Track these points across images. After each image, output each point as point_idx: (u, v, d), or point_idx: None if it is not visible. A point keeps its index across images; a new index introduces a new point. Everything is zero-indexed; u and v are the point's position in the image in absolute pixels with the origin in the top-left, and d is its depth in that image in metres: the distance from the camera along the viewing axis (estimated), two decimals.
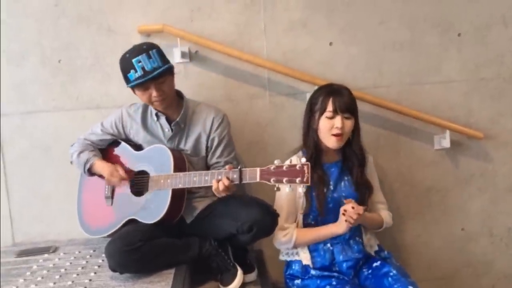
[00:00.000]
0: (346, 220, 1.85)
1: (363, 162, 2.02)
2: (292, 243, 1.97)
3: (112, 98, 2.34)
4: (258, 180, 1.73)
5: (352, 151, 2.00)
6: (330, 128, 1.91)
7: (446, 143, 2.40)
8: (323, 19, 2.35)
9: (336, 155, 2.03)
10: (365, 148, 2.05)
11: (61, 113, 2.35)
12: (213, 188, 1.81)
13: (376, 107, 2.36)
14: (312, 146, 1.97)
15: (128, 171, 2.00)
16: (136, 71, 1.87)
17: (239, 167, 1.77)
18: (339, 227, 1.91)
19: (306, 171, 1.67)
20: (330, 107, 1.91)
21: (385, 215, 2.08)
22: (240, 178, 1.76)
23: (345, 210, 1.86)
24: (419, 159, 2.47)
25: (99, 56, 2.33)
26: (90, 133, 2.11)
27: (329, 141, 1.94)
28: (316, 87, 2.17)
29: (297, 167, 1.68)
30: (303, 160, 1.71)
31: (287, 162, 2.00)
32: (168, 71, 1.93)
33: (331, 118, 1.91)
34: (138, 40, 2.29)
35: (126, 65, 1.91)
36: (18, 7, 2.29)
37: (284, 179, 1.69)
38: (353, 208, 1.84)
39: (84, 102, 2.35)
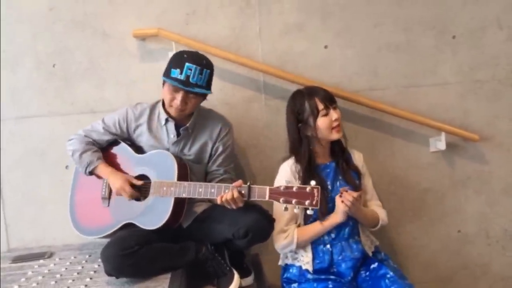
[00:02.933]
0: (342, 202, 1.86)
1: (344, 151, 2.04)
2: (294, 244, 1.96)
3: (108, 102, 2.34)
4: (267, 199, 1.74)
5: (335, 144, 2.02)
6: (330, 124, 1.94)
7: (442, 145, 2.40)
8: (318, 22, 2.35)
9: (328, 155, 2.04)
10: (352, 149, 2.10)
11: (56, 118, 2.35)
12: (218, 202, 1.80)
13: (372, 110, 2.37)
14: (306, 155, 1.97)
15: (137, 183, 1.98)
16: (181, 74, 1.86)
17: (248, 184, 1.77)
18: (337, 215, 1.92)
19: (315, 194, 1.68)
20: (320, 106, 1.94)
21: (380, 211, 2.08)
22: (249, 195, 1.76)
23: (341, 196, 1.88)
24: (415, 161, 2.47)
25: (94, 60, 2.32)
26: (91, 130, 2.07)
27: (332, 135, 1.96)
28: None
29: (307, 189, 1.69)
30: (313, 182, 1.71)
31: (280, 169, 2.02)
32: (204, 94, 1.95)
33: (326, 114, 1.94)
34: (133, 44, 2.30)
35: (177, 62, 1.89)
36: (13, 12, 2.29)
37: (293, 201, 1.69)
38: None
39: (79, 107, 2.34)
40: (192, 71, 1.86)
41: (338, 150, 2.03)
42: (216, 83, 2.31)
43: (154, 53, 2.30)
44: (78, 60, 2.32)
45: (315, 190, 1.68)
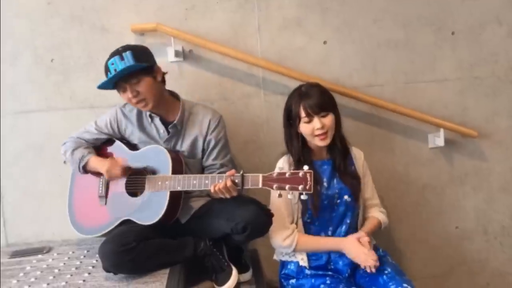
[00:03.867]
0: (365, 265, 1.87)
1: (345, 153, 2.02)
2: (292, 248, 1.96)
3: (105, 97, 2.32)
4: (260, 186, 1.73)
5: (334, 144, 1.99)
6: (311, 131, 1.91)
7: (441, 141, 2.40)
8: (318, 17, 2.35)
9: (326, 153, 2.03)
10: (353, 147, 2.07)
11: (54, 113, 2.34)
12: (211, 191, 1.81)
13: (371, 106, 2.37)
14: (297, 151, 1.97)
15: (127, 167, 1.97)
16: (110, 73, 1.87)
17: (241, 172, 1.76)
18: (347, 249, 1.92)
19: (308, 179, 1.67)
20: (303, 113, 1.90)
21: (381, 216, 2.09)
22: (242, 184, 1.76)
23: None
24: (413, 157, 2.47)
25: (92, 55, 2.31)
26: (84, 132, 2.09)
27: (315, 141, 1.94)
28: None
29: (300, 174, 1.68)
30: (305, 167, 1.70)
31: (277, 165, 2.01)
32: (141, 71, 1.89)
33: (309, 122, 1.91)
34: (131, 38, 2.29)
35: (105, 69, 1.91)
36: (11, 7, 2.27)
37: (287, 186, 1.69)
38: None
39: (77, 101, 2.34)
40: (115, 64, 1.86)
41: (338, 149, 2.00)
42: (214, 78, 2.33)
43: (153, 48, 2.26)
44: (77, 54, 2.31)
45: (308, 175, 1.67)
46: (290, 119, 1.97)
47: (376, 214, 2.09)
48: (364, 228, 2.02)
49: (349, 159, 2.04)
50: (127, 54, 1.86)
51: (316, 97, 1.91)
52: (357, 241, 1.90)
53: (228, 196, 1.79)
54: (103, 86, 1.92)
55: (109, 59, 1.89)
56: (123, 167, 1.95)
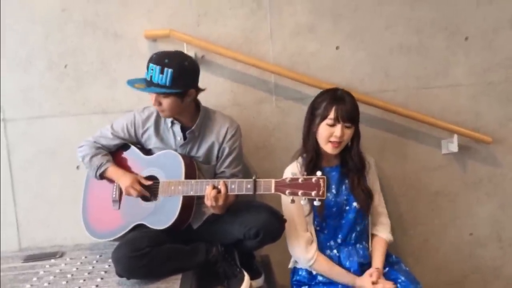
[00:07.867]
0: None
1: (361, 169, 2.00)
2: (311, 263, 1.94)
3: (119, 103, 2.34)
4: (273, 191, 1.72)
5: (350, 158, 1.98)
6: (329, 136, 1.90)
7: (454, 147, 2.38)
8: (330, 23, 2.34)
9: (336, 160, 2.02)
10: (365, 153, 2.05)
11: (68, 118, 2.35)
12: (205, 199, 1.82)
13: (383, 111, 2.35)
14: (311, 149, 1.97)
15: (146, 183, 1.98)
16: (146, 73, 1.88)
17: (253, 178, 1.76)
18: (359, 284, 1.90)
19: (321, 185, 1.66)
20: (332, 115, 1.89)
21: (386, 235, 2.05)
22: (255, 189, 1.75)
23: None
24: (426, 163, 2.45)
25: (105, 61, 2.33)
26: (100, 136, 2.09)
27: (326, 147, 1.93)
28: None
29: (313, 180, 1.67)
30: (319, 173, 1.69)
31: (287, 169, 2.02)
32: (178, 94, 1.88)
33: (332, 125, 1.90)
34: (144, 45, 2.30)
35: (147, 62, 1.89)
36: (25, 13, 2.30)
37: (300, 192, 1.68)
38: None
39: (90, 107, 2.35)
40: (153, 71, 1.84)
41: (353, 164, 1.98)
42: (227, 84, 2.34)
43: None
44: (90, 60, 2.33)
45: (321, 181, 1.66)
46: (314, 114, 1.96)
47: (382, 235, 2.05)
48: (376, 261, 1.97)
49: (363, 174, 2.02)
50: (168, 72, 1.82)
51: (350, 106, 1.91)
52: (370, 279, 1.87)
53: (214, 204, 1.80)
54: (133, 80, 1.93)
55: (153, 60, 1.86)
56: (141, 191, 1.96)
